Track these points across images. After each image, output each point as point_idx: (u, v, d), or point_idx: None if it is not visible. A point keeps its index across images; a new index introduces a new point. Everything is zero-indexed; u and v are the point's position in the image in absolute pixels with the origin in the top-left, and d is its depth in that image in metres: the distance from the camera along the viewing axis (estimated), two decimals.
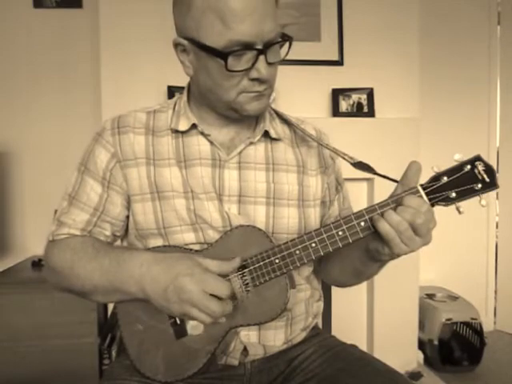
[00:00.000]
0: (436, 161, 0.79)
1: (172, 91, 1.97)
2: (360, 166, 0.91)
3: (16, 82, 2.28)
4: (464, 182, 0.77)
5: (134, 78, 2.00)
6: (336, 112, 2.13)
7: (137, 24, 2.00)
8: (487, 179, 0.76)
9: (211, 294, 0.76)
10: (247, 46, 0.79)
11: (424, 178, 0.78)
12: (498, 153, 2.72)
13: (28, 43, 2.28)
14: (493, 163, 2.66)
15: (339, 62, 2.14)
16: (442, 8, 2.59)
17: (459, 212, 0.78)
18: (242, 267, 0.83)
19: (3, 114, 2.28)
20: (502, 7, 2.66)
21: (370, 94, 2.14)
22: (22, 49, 2.28)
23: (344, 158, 0.93)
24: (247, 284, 0.83)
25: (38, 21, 2.27)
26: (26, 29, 2.27)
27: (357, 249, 0.87)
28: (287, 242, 0.82)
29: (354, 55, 2.15)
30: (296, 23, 2.10)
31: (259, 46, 0.80)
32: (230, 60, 0.79)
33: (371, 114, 2.14)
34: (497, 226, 2.76)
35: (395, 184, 0.82)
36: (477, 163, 0.77)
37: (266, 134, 0.95)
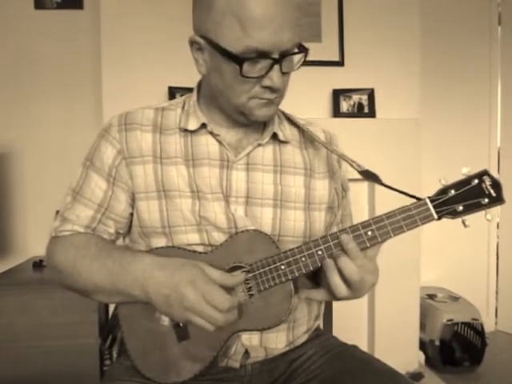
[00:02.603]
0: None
1: (173, 92, 1.96)
2: (366, 174, 0.91)
3: (17, 82, 2.28)
4: (471, 195, 0.77)
5: (135, 79, 2.00)
6: (337, 112, 2.13)
7: (138, 25, 2.00)
8: (494, 194, 0.77)
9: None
10: (263, 55, 0.79)
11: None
12: (498, 153, 2.72)
13: (29, 44, 2.27)
14: (494, 164, 2.67)
15: (340, 63, 2.14)
16: (443, 9, 2.59)
17: (465, 225, 0.79)
18: (247, 272, 0.82)
19: (4, 114, 2.27)
20: (502, 8, 2.66)
21: (371, 94, 2.13)
22: (23, 49, 2.27)
23: (351, 165, 0.93)
24: (251, 289, 0.83)
25: (38, 22, 2.27)
26: (26, 30, 2.27)
27: None
28: (293, 249, 0.81)
29: (354, 56, 2.15)
30: (296, 23, 2.09)
31: (275, 56, 0.80)
32: (245, 66, 0.79)
33: (372, 114, 2.13)
34: (498, 227, 2.76)
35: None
36: (484, 177, 0.77)
37: (275, 137, 0.95)
